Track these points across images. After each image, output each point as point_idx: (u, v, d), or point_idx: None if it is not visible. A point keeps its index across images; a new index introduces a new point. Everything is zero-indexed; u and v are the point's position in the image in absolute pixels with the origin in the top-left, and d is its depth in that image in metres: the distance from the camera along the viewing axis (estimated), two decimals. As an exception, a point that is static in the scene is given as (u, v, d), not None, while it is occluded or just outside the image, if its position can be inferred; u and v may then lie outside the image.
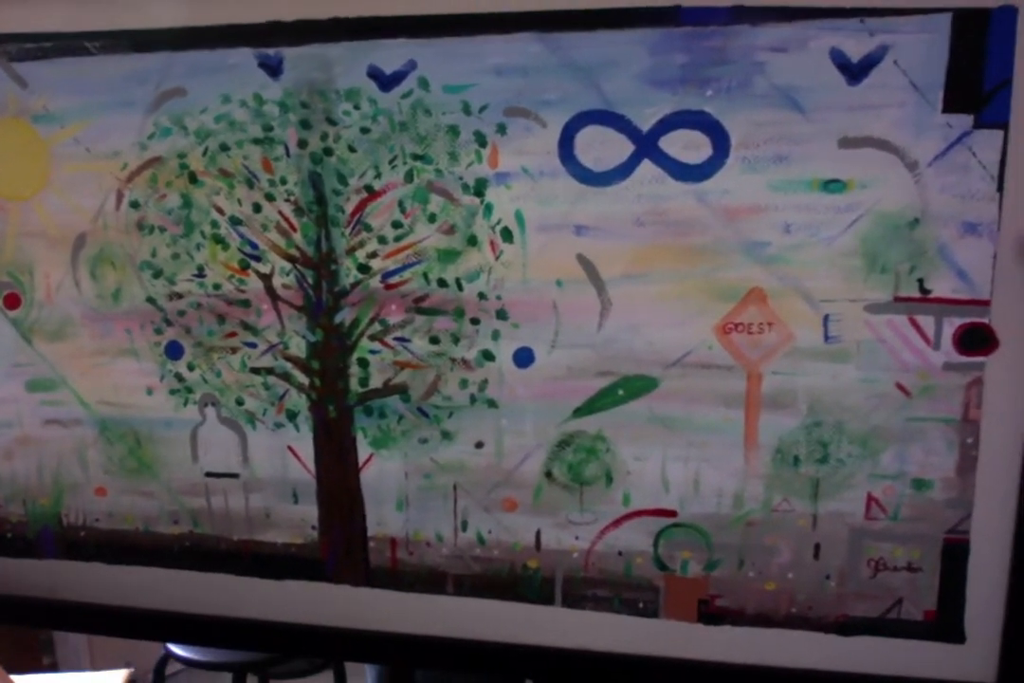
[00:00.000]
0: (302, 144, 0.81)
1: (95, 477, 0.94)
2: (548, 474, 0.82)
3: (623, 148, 0.74)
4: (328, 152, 0.80)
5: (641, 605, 0.83)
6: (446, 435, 0.83)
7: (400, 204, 0.80)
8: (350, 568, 0.89)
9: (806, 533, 0.78)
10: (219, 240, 0.85)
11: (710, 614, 0.81)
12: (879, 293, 0.72)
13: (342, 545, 0.89)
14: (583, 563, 0.83)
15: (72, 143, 0.87)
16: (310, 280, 0.84)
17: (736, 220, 0.73)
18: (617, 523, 0.81)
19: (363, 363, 0.84)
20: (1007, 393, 0.72)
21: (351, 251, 0.82)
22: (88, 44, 0.83)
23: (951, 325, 0.72)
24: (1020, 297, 0.70)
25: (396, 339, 0.83)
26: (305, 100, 0.80)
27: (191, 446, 0.90)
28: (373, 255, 0.81)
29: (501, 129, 0.76)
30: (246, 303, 0.86)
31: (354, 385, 0.85)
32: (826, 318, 0.73)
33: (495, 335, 0.80)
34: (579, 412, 0.80)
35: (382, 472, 0.86)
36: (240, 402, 0.88)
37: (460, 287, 0.80)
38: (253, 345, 0.87)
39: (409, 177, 0.79)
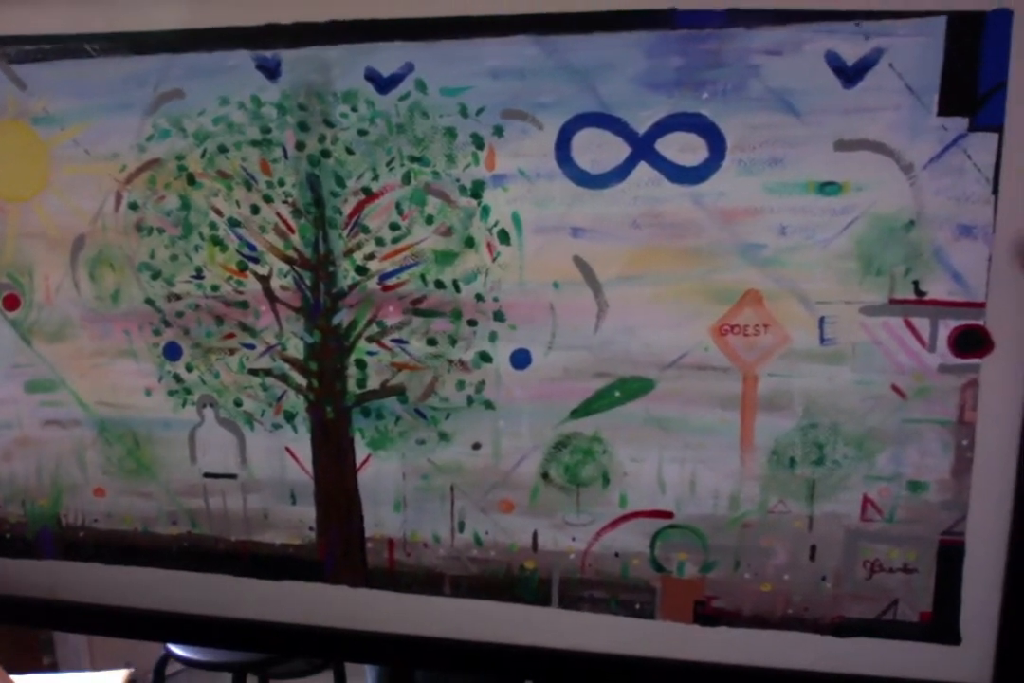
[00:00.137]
0: (300, 146, 0.81)
1: (94, 478, 0.95)
2: (545, 475, 0.82)
3: (619, 150, 0.74)
4: (326, 154, 0.81)
5: (637, 606, 0.83)
6: (443, 436, 0.84)
7: (397, 206, 0.80)
8: (348, 569, 0.89)
9: (802, 534, 0.78)
10: (217, 242, 0.85)
11: (706, 615, 0.81)
12: (874, 295, 0.72)
13: (340, 546, 0.89)
14: (580, 564, 0.83)
15: (71, 145, 0.87)
16: (308, 282, 0.84)
17: (732, 222, 0.73)
18: (614, 524, 0.82)
19: (361, 364, 0.84)
20: (1002, 395, 0.72)
21: (349, 253, 0.82)
22: (87, 46, 0.84)
23: (946, 327, 0.72)
24: (1015, 299, 0.70)
25: (394, 340, 0.83)
26: (303, 102, 0.80)
27: (189, 447, 0.91)
28: (371, 257, 0.82)
29: (498, 131, 0.76)
30: (244, 304, 0.86)
31: (352, 386, 0.85)
32: (822, 320, 0.74)
33: (492, 337, 0.80)
34: (576, 413, 0.80)
35: (380, 473, 0.86)
36: (238, 403, 0.88)
37: (457, 289, 0.80)
38: (251, 346, 0.87)
39: (406, 179, 0.79)
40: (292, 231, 0.83)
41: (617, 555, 0.82)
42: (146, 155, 0.85)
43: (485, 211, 0.78)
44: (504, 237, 0.78)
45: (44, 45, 0.85)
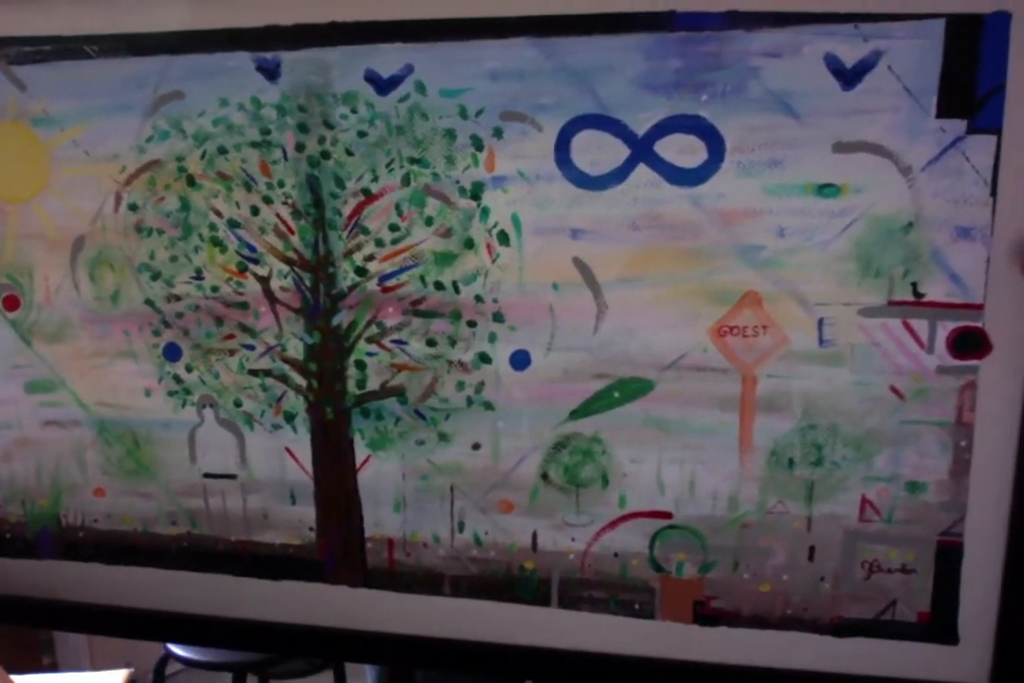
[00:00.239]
0: (299, 147, 0.81)
1: (94, 478, 0.95)
2: (544, 476, 0.82)
3: (619, 152, 0.74)
4: (325, 155, 0.81)
5: (637, 606, 0.83)
6: (443, 437, 0.84)
7: (397, 207, 0.80)
8: (347, 569, 0.89)
9: (801, 535, 0.78)
10: (217, 243, 0.86)
11: (705, 615, 0.82)
12: (873, 297, 0.73)
13: (339, 546, 0.89)
14: (579, 564, 0.83)
15: (71, 146, 0.87)
16: (308, 283, 0.84)
17: (731, 224, 0.73)
18: (613, 525, 0.82)
19: (360, 365, 0.84)
20: (1000, 396, 0.72)
21: (348, 254, 0.82)
22: (87, 47, 0.84)
23: (945, 329, 0.72)
24: (1013, 301, 0.71)
25: (393, 341, 0.83)
26: (303, 104, 0.80)
27: (189, 447, 0.91)
28: (370, 258, 0.82)
29: (497, 133, 0.76)
30: (244, 305, 0.86)
31: (351, 387, 0.85)
32: (820, 321, 0.74)
33: (492, 338, 0.80)
34: (575, 414, 0.80)
35: (379, 473, 0.86)
36: (238, 404, 0.89)
37: (457, 290, 0.80)
38: (251, 347, 0.87)
39: (406, 180, 0.79)
40: (292, 232, 0.83)
41: (616, 555, 0.82)
42: (146, 156, 0.85)
43: (485, 212, 0.78)
44: (504, 238, 0.78)
45: (44, 46, 0.85)
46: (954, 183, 0.69)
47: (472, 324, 0.81)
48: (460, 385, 0.82)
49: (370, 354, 0.84)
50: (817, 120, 0.70)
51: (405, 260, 0.81)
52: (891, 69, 0.68)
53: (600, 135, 0.74)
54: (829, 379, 0.74)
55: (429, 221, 0.80)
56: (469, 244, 0.79)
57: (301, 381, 0.86)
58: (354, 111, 0.79)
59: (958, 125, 0.68)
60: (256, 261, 0.85)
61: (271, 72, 0.80)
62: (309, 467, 0.88)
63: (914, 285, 0.72)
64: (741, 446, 0.77)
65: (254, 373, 0.87)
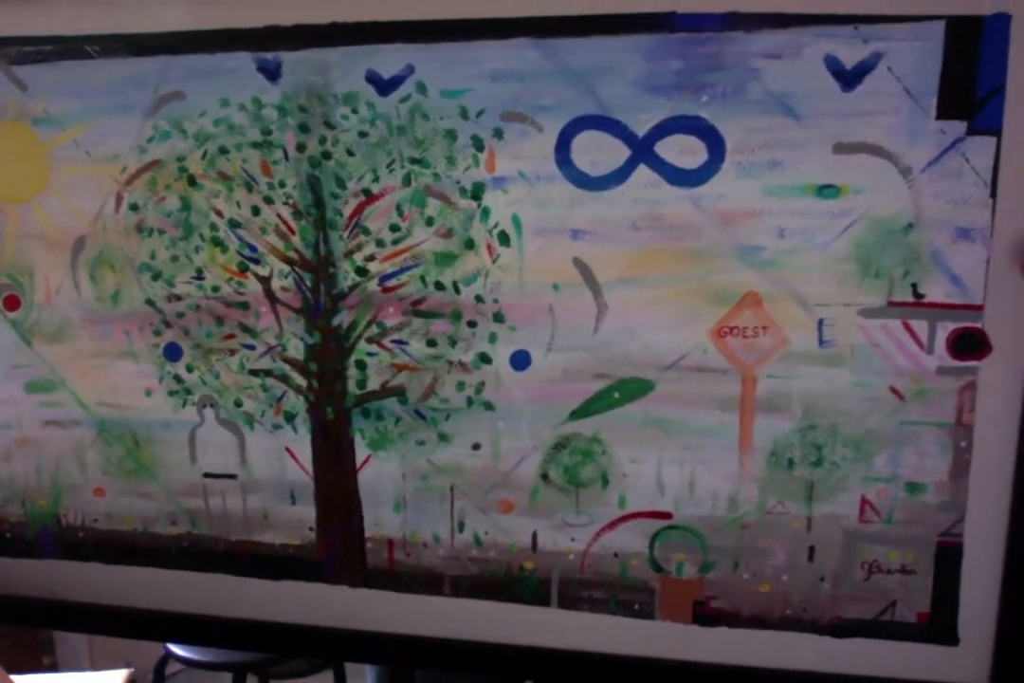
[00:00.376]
0: (300, 148, 0.81)
1: (94, 478, 0.95)
2: (544, 476, 0.82)
3: (619, 153, 0.74)
4: (326, 156, 0.81)
5: (637, 606, 0.83)
6: (443, 437, 0.84)
7: (398, 208, 0.80)
8: (347, 569, 0.90)
9: (800, 535, 0.78)
10: (218, 243, 0.86)
11: (705, 616, 0.82)
12: (873, 298, 0.73)
13: (339, 546, 0.89)
14: (579, 565, 0.83)
15: (72, 146, 0.87)
16: (308, 283, 0.84)
17: (731, 225, 0.74)
18: (613, 525, 0.82)
19: (361, 365, 0.84)
20: (1000, 397, 0.72)
21: (349, 254, 0.82)
22: (88, 47, 0.84)
23: (944, 329, 0.72)
24: (1013, 302, 0.71)
25: (393, 342, 0.83)
26: (303, 104, 0.80)
27: (189, 447, 0.91)
28: (371, 258, 0.82)
29: (498, 134, 0.76)
30: (245, 305, 0.86)
31: (352, 387, 0.85)
32: (820, 322, 0.74)
33: (492, 338, 0.81)
34: (575, 415, 0.80)
35: (379, 474, 0.86)
36: (238, 404, 0.89)
37: (457, 290, 0.80)
38: (251, 347, 0.87)
39: (407, 181, 0.79)
40: (293, 232, 0.83)
41: (616, 555, 0.82)
42: (147, 156, 0.85)
43: (485, 213, 0.78)
44: (504, 239, 0.78)
45: (45, 46, 0.85)
46: (954, 184, 0.69)
47: (472, 324, 0.81)
48: (460, 385, 0.82)
49: (370, 354, 0.84)
50: (817, 121, 0.70)
51: (406, 260, 0.81)
52: (891, 70, 0.68)
53: (600, 136, 0.74)
54: (829, 380, 0.75)
55: (430, 221, 0.80)
56: (469, 244, 0.79)
57: (301, 381, 0.86)
58: (355, 111, 0.79)
59: (958, 126, 0.68)
60: (257, 261, 0.85)
61: (272, 72, 0.80)
62: (309, 467, 0.88)
63: (914, 286, 0.72)
64: (741, 446, 0.77)
65: (255, 373, 0.88)
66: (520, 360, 0.80)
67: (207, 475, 0.91)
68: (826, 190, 0.71)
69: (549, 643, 0.86)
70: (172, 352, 0.89)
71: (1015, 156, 0.68)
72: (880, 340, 0.73)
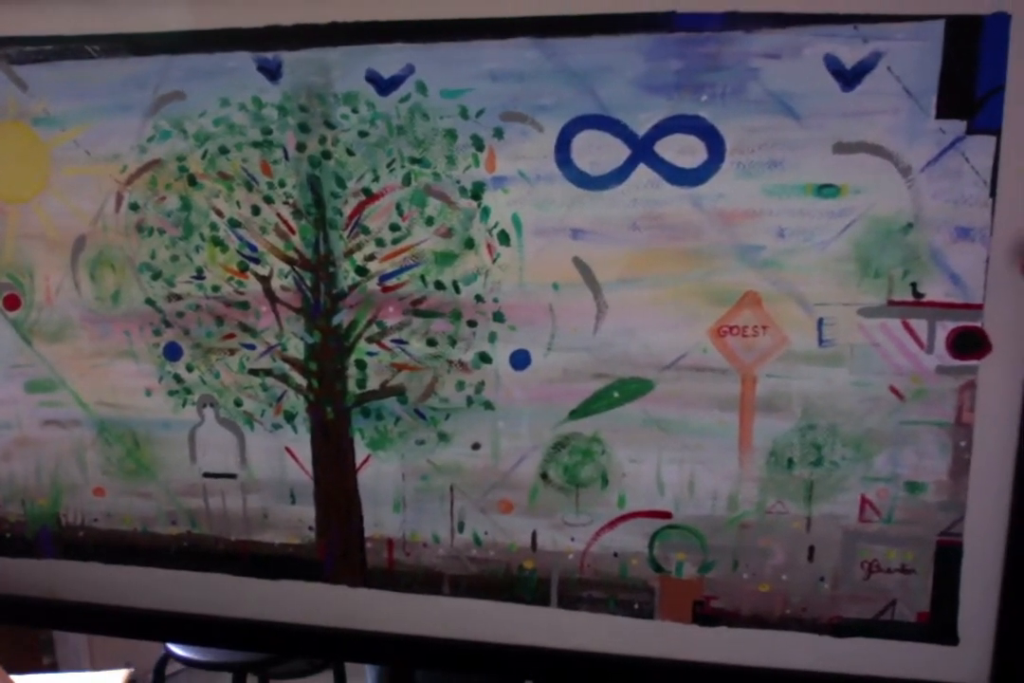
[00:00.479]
0: (300, 147, 0.81)
1: (93, 477, 0.95)
2: (544, 476, 0.82)
3: (619, 152, 0.74)
4: (326, 155, 0.81)
5: (636, 606, 0.83)
6: (443, 437, 0.84)
7: (398, 207, 0.80)
8: (347, 569, 0.90)
9: (800, 535, 0.78)
10: (218, 242, 0.86)
11: (705, 615, 0.82)
12: (872, 297, 0.73)
13: (339, 546, 0.89)
14: (579, 564, 0.83)
15: (72, 146, 0.87)
16: (308, 282, 0.84)
17: (731, 224, 0.74)
18: (612, 525, 0.82)
19: (361, 365, 0.84)
20: (1000, 396, 0.72)
21: (349, 253, 0.82)
22: (88, 47, 0.84)
23: (944, 329, 0.72)
24: (1013, 301, 0.71)
25: (393, 341, 0.83)
26: (304, 104, 0.80)
27: (189, 447, 0.91)
28: (371, 258, 0.82)
29: (498, 133, 0.76)
30: (245, 305, 0.86)
31: (352, 387, 0.85)
32: (820, 322, 0.74)
33: (492, 337, 0.81)
34: (575, 414, 0.80)
35: (379, 473, 0.86)
36: (238, 403, 0.89)
37: (457, 290, 0.80)
38: (251, 347, 0.87)
39: (407, 180, 0.79)
40: (293, 232, 0.83)
41: (616, 555, 0.82)
42: (147, 156, 0.85)
43: (485, 212, 0.78)
44: (504, 238, 0.78)
45: (45, 46, 0.85)
46: (953, 184, 0.69)
47: (472, 324, 0.81)
48: (460, 385, 0.82)
49: (370, 354, 0.84)
50: (817, 121, 0.70)
51: (406, 260, 0.81)
52: (891, 70, 0.69)
53: (600, 135, 0.74)
54: (828, 379, 0.75)
55: (430, 221, 0.80)
56: (469, 244, 0.79)
57: (301, 381, 0.86)
58: (355, 111, 0.79)
59: (957, 126, 0.68)
60: (257, 261, 0.85)
61: (272, 72, 0.80)
62: (309, 467, 0.88)
63: (913, 285, 0.72)
64: (740, 446, 0.77)
65: (254, 373, 0.88)
66: (520, 360, 0.81)
67: (207, 475, 0.91)
68: (826, 190, 0.71)
69: (549, 643, 0.86)
70: (172, 352, 0.89)
71: (1014, 155, 0.68)
72: (880, 339, 0.73)
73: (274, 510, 0.90)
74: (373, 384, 0.85)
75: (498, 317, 0.80)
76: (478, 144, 0.77)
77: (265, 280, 0.85)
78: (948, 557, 0.76)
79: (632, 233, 0.76)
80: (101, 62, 0.84)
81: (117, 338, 0.91)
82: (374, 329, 0.83)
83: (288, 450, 0.88)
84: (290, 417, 0.88)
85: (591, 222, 0.76)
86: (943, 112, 0.68)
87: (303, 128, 0.81)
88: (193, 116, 0.83)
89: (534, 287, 0.79)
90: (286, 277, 0.85)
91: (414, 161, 0.79)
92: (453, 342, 0.82)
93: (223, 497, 0.91)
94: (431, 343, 0.82)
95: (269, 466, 0.89)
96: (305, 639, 0.92)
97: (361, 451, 0.86)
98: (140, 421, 0.92)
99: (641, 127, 0.74)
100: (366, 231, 0.81)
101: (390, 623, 0.89)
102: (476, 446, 0.83)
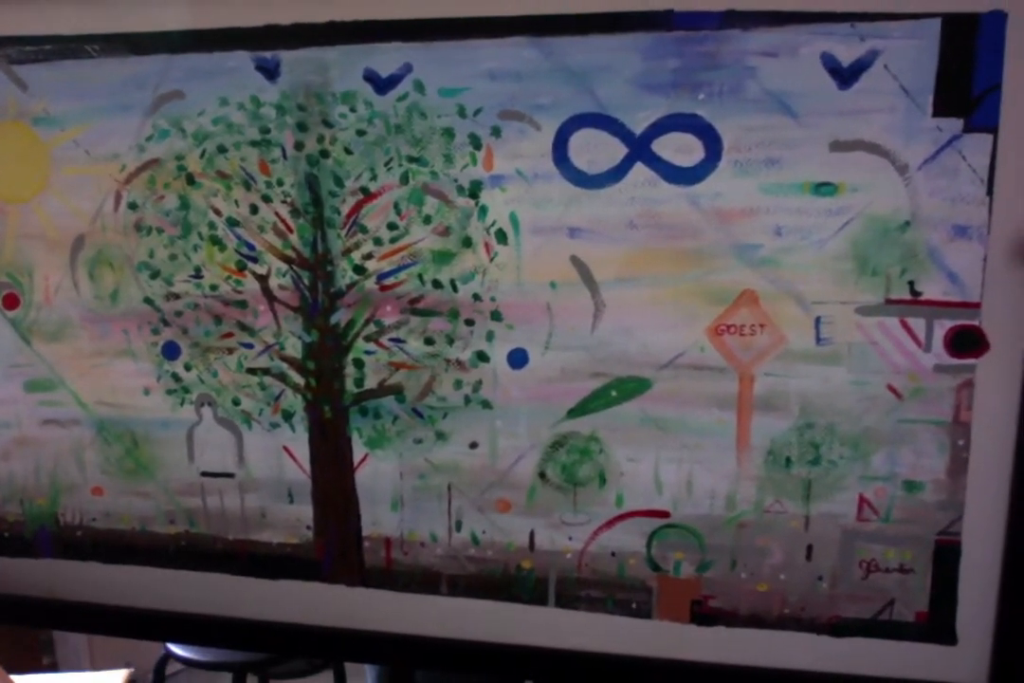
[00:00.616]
0: (299, 146, 0.81)
1: (92, 477, 0.95)
2: (542, 475, 0.82)
3: (616, 151, 0.74)
4: (324, 154, 0.81)
5: (634, 606, 0.83)
6: (440, 436, 0.84)
7: (396, 206, 0.80)
8: (345, 568, 0.89)
9: (798, 534, 0.78)
10: (216, 241, 0.86)
11: (703, 615, 0.81)
12: (870, 295, 0.73)
13: (337, 545, 0.89)
14: (576, 564, 0.83)
15: (72, 146, 0.87)
16: (306, 281, 0.84)
17: (728, 223, 0.74)
18: (610, 524, 0.82)
19: (358, 364, 0.85)
20: (998, 395, 0.72)
21: (347, 252, 0.83)
22: (88, 47, 0.84)
23: (942, 327, 0.72)
24: (1010, 299, 0.71)
25: (391, 340, 0.83)
26: (302, 103, 0.80)
27: (187, 446, 0.91)
28: (369, 256, 0.82)
29: (496, 132, 0.76)
30: (243, 304, 0.86)
31: (349, 386, 0.85)
32: (817, 320, 0.74)
33: (489, 336, 0.81)
34: (573, 413, 0.80)
35: (377, 472, 0.86)
36: (236, 402, 0.89)
37: (455, 288, 0.81)
38: (249, 346, 0.87)
39: (404, 179, 0.80)
40: (291, 231, 0.84)
41: (614, 555, 0.82)
42: (146, 155, 0.85)
43: (483, 211, 0.78)
44: (501, 237, 0.78)
45: (45, 46, 0.85)
46: (951, 182, 0.69)
47: (470, 322, 0.81)
48: (458, 384, 0.82)
49: (368, 352, 0.84)
50: (814, 119, 0.70)
51: (403, 258, 0.81)
52: (887, 68, 0.69)
53: (598, 134, 0.74)
54: (826, 378, 0.74)
55: (427, 220, 0.80)
56: (467, 243, 0.79)
57: (299, 380, 0.87)
58: (353, 110, 0.79)
59: (954, 124, 0.68)
60: (255, 259, 0.85)
61: (270, 71, 0.80)
62: (307, 466, 0.88)
63: (911, 284, 0.72)
64: (738, 445, 0.77)
65: (252, 372, 0.88)
66: (517, 358, 0.81)
67: (205, 474, 0.91)
68: (823, 188, 0.71)
69: (547, 642, 0.85)
70: (170, 351, 0.89)
71: (1011, 153, 0.68)
72: (877, 338, 0.73)
73: (272, 509, 0.90)
74: (371, 383, 0.85)
75: (496, 316, 0.80)
76: (476, 143, 0.77)
77: (263, 279, 0.85)
78: (946, 556, 0.76)
79: (629, 232, 0.76)
80: (101, 62, 0.84)
81: (116, 337, 0.91)
82: (372, 328, 0.83)
83: (286, 449, 0.89)
84: (288, 416, 0.88)
85: (588, 221, 0.76)
86: (940, 110, 0.68)
87: (301, 127, 0.81)
88: (192, 115, 0.83)
89: (532, 286, 0.79)
90: (284, 276, 0.85)
91: (412, 160, 0.79)
92: (451, 341, 0.82)
93: (221, 496, 0.91)
94: (429, 342, 0.82)
95: (267, 465, 0.89)
96: (303, 639, 0.92)
97: (359, 450, 0.86)
98: (139, 420, 0.92)
99: (638, 126, 0.74)
100: (364, 230, 0.82)
101: (388, 623, 0.89)
102: (474, 445, 0.83)
